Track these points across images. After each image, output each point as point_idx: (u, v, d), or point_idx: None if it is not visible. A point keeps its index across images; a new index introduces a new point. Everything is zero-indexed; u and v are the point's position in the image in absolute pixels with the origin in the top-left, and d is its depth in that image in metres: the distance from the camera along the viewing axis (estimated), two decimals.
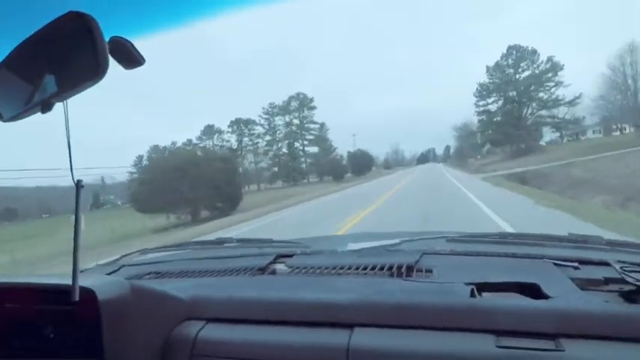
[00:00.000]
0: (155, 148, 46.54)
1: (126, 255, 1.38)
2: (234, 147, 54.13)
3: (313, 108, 55.53)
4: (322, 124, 55.72)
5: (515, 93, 42.18)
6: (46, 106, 0.55)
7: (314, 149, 55.29)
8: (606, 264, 0.82)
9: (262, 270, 1.03)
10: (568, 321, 0.64)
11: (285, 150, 54.76)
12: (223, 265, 1.11)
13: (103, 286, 0.67)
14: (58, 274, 0.73)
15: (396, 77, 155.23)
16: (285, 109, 55.10)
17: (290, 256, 1.12)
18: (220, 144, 53.82)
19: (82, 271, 0.95)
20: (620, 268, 0.75)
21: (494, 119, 44.18)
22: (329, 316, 0.74)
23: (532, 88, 40.77)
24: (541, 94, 41.36)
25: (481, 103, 45.02)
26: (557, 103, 40.98)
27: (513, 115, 42.24)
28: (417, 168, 68.53)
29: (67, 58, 0.53)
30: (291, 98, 55.01)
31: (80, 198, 0.57)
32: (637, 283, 0.70)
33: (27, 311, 0.71)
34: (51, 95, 0.55)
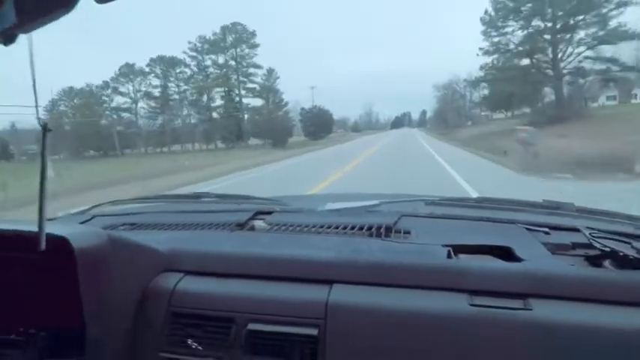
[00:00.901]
0: (69, 91, 40.84)
1: (97, 205, 1.36)
2: (158, 94, 44.98)
3: (255, 46, 44.55)
4: (270, 70, 46.25)
5: (548, 15, 24.63)
6: (8, 38, 0.52)
7: (257, 102, 46.59)
8: (576, 230, 0.92)
9: (241, 226, 1.10)
10: (537, 282, 0.73)
11: (218, 101, 45.27)
12: (201, 219, 1.17)
13: (79, 235, 0.71)
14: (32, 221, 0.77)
15: (374, 36, 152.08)
16: (216, 44, 43.92)
17: (269, 212, 1.19)
18: (145, 89, 45.00)
19: (51, 219, 0.96)
20: (589, 234, 0.85)
21: (506, 65, 27.78)
22: (308, 272, 0.82)
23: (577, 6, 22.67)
24: (592, 19, 22.96)
25: (493, 37, 27.30)
26: (618, 35, 21.93)
27: (539, 59, 26.46)
28: (391, 133, 69.09)
29: None
30: (225, 30, 43.78)
31: (47, 140, 0.60)
32: (603, 248, 0.78)
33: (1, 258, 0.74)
34: (14, 25, 0.50)
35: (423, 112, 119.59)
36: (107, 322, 0.74)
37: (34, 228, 0.62)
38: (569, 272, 0.76)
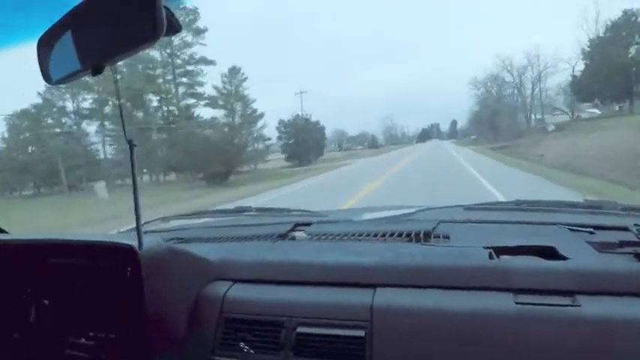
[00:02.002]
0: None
1: (147, 222, 1.43)
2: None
3: (201, 31, 30.09)
4: (234, 70, 32.71)
5: None
6: (96, 69, 0.58)
7: (211, 113, 32.39)
8: (623, 229, 0.90)
9: (282, 237, 1.14)
10: (584, 279, 0.72)
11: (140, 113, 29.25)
12: (244, 231, 1.22)
13: (143, 245, 0.76)
14: (98, 234, 0.87)
15: (396, 46, 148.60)
16: None
17: (308, 224, 1.22)
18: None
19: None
20: (637, 230, 0.83)
21: None
22: (352, 277, 0.84)
23: None
24: None
25: None
26: None
27: None
28: (416, 148, 54.43)
29: (121, 19, 0.55)
30: None
31: (134, 157, 0.66)
32: None
33: (72, 266, 0.83)
34: (103, 58, 0.58)
35: (453, 123, 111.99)
36: (165, 326, 0.79)
37: (103, 239, 0.76)
38: (618, 268, 0.74)
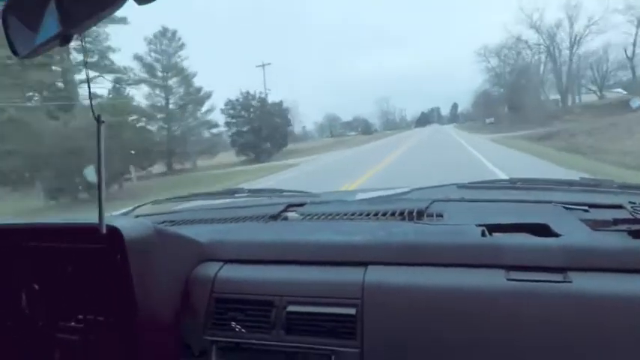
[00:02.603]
0: None
1: (139, 206, 1.45)
2: None
3: None
4: (166, 33, 24.52)
5: None
6: (64, 39, 0.55)
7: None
8: (618, 206, 0.89)
9: (275, 217, 1.13)
10: (576, 255, 0.72)
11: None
12: (236, 213, 1.22)
13: (129, 226, 0.76)
14: (82, 217, 0.84)
15: (392, 30, 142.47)
16: None
17: (301, 205, 1.21)
18: None
19: None
20: (632, 208, 0.83)
21: None
22: (343, 255, 0.84)
23: None
24: None
25: None
26: None
27: None
28: (414, 135, 45.61)
29: None
30: None
31: (102, 134, 0.63)
32: None
33: (58, 250, 0.82)
34: (68, 27, 0.53)
35: (454, 106, 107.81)
36: (155, 308, 0.79)
37: (89, 221, 0.70)
38: (611, 244, 0.74)
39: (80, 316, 0.80)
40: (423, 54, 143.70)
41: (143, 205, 1.46)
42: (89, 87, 0.63)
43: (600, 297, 0.64)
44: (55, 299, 0.84)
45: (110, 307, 0.79)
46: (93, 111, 0.60)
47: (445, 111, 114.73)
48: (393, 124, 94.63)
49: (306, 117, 76.82)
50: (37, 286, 0.84)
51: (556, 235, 0.79)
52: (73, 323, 0.81)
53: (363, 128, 76.32)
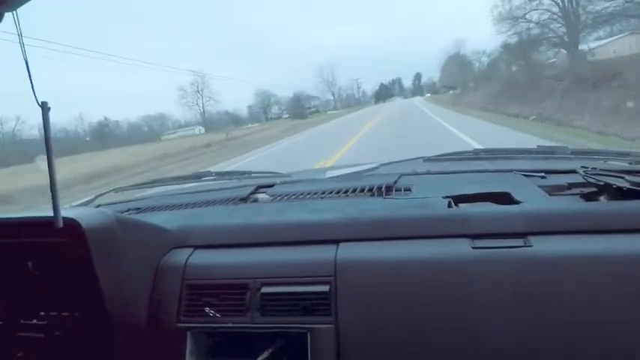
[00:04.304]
0: None
1: (100, 195, 1.39)
2: None
3: None
4: None
5: None
6: None
7: None
8: (572, 171, 0.95)
9: (244, 199, 1.13)
10: (535, 220, 0.76)
11: None
12: (204, 197, 1.20)
13: (87, 216, 0.73)
14: (39, 208, 0.81)
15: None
16: None
17: (270, 186, 1.22)
18: None
19: None
20: (584, 172, 0.86)
21: None
22: (314, 234, 0.85)
23: None
24: None
25: None
26: None
27: None
28: (372, 114, 32.18)
29: None
30: None
31: (48, 120, 0.59)
32: (598, 183, 0.80)
33: (15, 246, 0.78)
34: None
35: (417, 76, 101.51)
36: (125, 299, 0.78)
37: (46, 214, 0.66)
38: (566, 208, 0.78)
39: (43, 313, 0.78)
40: (377, 26, 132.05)
41: (104, 193, 1.41)
42: (28, 70, 0.52)
43: (557, 258, 0.69)
44: (15, 297, 0.81)
45: (75, 301, 0.77)
46: (36, 97, 0.55)
47: (407, 82, 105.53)
48: (352, 100, 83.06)
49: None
50: None
51: (517, 202, 0.83)
52: (35, 321, 0.78)
53: (293, 109, 57.66)
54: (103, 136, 51.04)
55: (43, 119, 0.57)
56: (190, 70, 56.82)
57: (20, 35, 0.50)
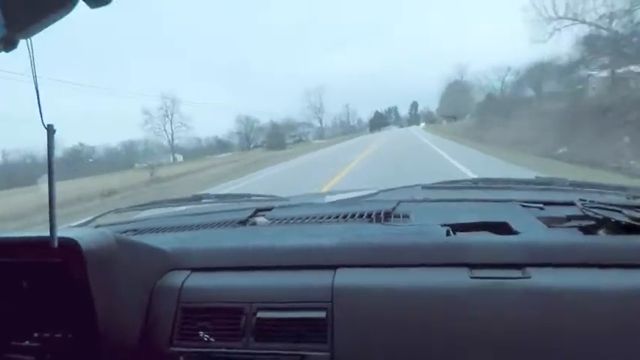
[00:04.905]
0: None
1: (99, 215, 1.38)
2: None
3: None
4: None
5: None
6: (9, 43, 0.52)
7: None
8: (570, 204, 0.94)
9: (243, 223, 1.12)
10: (534, 252, 0.75)
11: None
12: (202, 219, 1.20)
13: (87, 236, 0.73)
14: (37, 230, 0.80)
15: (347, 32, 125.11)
16: None
17: (269, 209, 1.21)
18: None
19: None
20: (582, 205, 0.87)
21: None
22: (311, 259, 0.84)
23: None
24: None
25: None
26: None
27: None
28: (364, 144, 26.21)
29: None
30: None
31: (52, 143, 0.60)
32: (596, 216, 0.81)
33: (10, 266, 0.77)
34: (13, 30, 0.51)
35: (414, 105, 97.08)
36: (119, 321, 0.76)
37: (43, 234, 0.66)
38: (565, 241, 0.78)
39: (36, 334, 0.76)
40: (374, 53, 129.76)
41: (104, 214, 1.40)
42: (38, 95, 0.54)
43: (556, 291, 0.68)
44: (6, 318, 0.79)
45: (69, 323, 0.75)
46: (42, 121, 0.56)
47: (403, 111, 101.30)
48: (347, 127, 78.07)
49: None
50: None
51: (515, 232, 0.82)
52: (27, 342, 0.76)
53: (270, 138, 48.30)
54: (76, 162, 47.08)
55: (47, 141, 0.58)
56: (159, 94, 50.22)
57: (32, 61, 0.52)
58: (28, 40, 0.51)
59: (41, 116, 0.56)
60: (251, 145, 54.06)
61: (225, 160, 34.09)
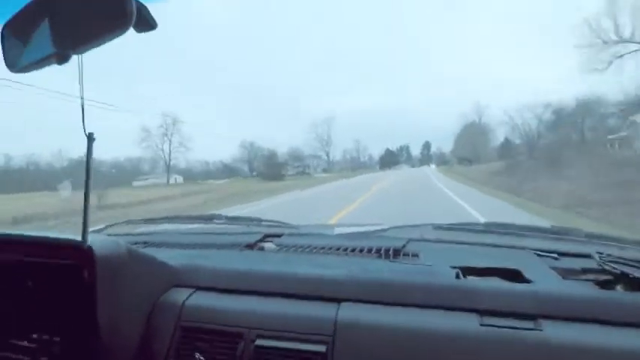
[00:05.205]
0: None
1: (111, 225, 1.39)
2: None
3: None
4: None
5: None
6: (62, 58, 0.56)
7: None
8: (586, 256, 0.91)
9: (250, 246, 1.12)
10: (547, 303, 0.73)
11: None
12: (211, 239, 1.21)
13: (100, 243, 0.74)
14: (55, 231, 0.81)
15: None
16: None
17: (278, 235, 1.21)
18: None
19: None
20: (599, 258, 0.85)
21: None
22: (316, 290, 0.83)
23: None
24: None
25: None
26: None
27: None
28: (366, 184, 21.45)
29: (89, 6, 0.54)
30: None
31: (92, 151, 0.63)
32: (614, 271, 0.78)
33: (18, 265, 0.77)
34: (69, 47, 0.55)
35: (426, 145, 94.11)
36: (118, 331, 0.76)
37: (55, 235, 0.69)
38: (580, 294, 0.76)
39: (35, 335, 0.76)
40: (387, 90, 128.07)
41: (116, 224, 1.41)
42: (82, 104, 0.58)
43: (569, 347, 0.66)
44: (8, 316, 0.78)
45: (69, 327, 0.75)
46: (84, 129, 0.60)
47: (415, 150, 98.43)
48: (357, 163, 75.15)
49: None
50: None
51: (528, 281, 0.80)
52: (26, 342, 0.76)
53: (265, 167, 43.53)
54: (81, 173, 44.94)
55: (87, 149, 0.61)
56: (161, 112, 48.00)
57: (81, 76, 0.55)
58: (80, 56, 0.54)
59: (84, 125, 0.59)
60: (253, 173, 51.08)
61: (210, 187, 31.41)
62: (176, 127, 46.76)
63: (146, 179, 48.94)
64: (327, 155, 65.25)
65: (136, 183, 45.84)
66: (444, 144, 78.41)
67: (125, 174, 48.75)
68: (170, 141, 47.60)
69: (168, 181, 46.82)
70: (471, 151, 45.41)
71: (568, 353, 0.65)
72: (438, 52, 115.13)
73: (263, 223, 1.38)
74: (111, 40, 0.51)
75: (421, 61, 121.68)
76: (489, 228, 1.25)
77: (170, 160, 48.72)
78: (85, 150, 0.63)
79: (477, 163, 43.92)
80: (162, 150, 48.21)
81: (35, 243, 0.77)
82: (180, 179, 51.08)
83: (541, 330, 0.68)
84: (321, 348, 0.72)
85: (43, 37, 0.55)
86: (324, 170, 59.28)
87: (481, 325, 0.70)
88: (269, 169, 43.69)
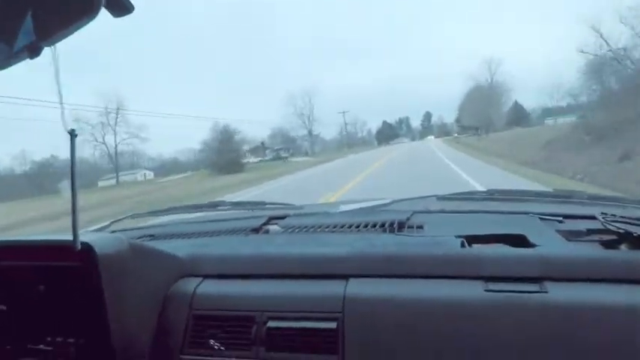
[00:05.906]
0: None
1: (116, 220, 1.38)
2: None
3: None
4: None
5: None
6: (33, 51, 0.53)
7: None
8: (590, 217, 0.92)
9: (256, 230, 1.13)
10: (552, 266, 0.74)
11: None
12: (217, 226, 1.21)
13: (101, 241, 0.74)
14: (54, 232, 0.83)
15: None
16: None
17: (283, 217, 1.21)
18: None
19: None
20: (603, 219, 0.84)
21: None
22: (324, 268, 0.84)
23: None
24: None
25: None
26: None
27: None
28: (352, 165, 19.41)
29: None
30: None
31: (74, 148, 0.61)
32: (618, 230, 0.78)
33: (28, 269, 0.78)
34: (39, 38, 0.52)
35: (427, 116, 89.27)
36: (130, 327, 0.77)
37: (58, 237, 0.69)
38: (585, 254, 0.76)
39: (49, 338, 0.77)
40: (385, 61, 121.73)
41: (120, 219, 1.40)
42: (61, 99, 0.55)
43: (574, 307, 0.66)
44: (24, 321, 0.80)
45: (81, 328, 0.76)
46: (64, 125, 0.58)
47: (415, 122, 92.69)
48: (354, 139, 69.44)
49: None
50: (5, 307, 0.79)
51: (532, 245, 0.81)
52: (41, 346, 0.77)
53: (216, 154, 31.24)
54: (45, 177, 40.00)
55: (70, 146, 0.59)
56: (101, 97, 41.34)
57: (57, 69, 0.52)
58: (53, 47, 0.52)
59: (63, 121, 0.57)
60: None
61: (158, 186, 26.40)
62: (121, 115, 40.14)
63: (112, 177, 43.31)
64: (310, 133, 55.75)
65: (101, 183, 41.54)
66: (446, 113, 73.01)
67: (96, 172, 43.81)
68: (115, 132, 41.13)
69: (118, 180, 41.37)
70: (479, 118, 39.88)
71: (575, 313, 0.65)
72: (436, 16, 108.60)
73: (267, 206, 1.38)
74: (83, 26, 0.47)
75: (420, 29, 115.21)
76: (493, 195, 1.24)
77: (117, 153, 41.91)
78: (68, 148, 0.59)
79: (484, 132, 38.42)
80: (104, 143, 41.81)
81: (28, 247, 0.78)
82: (150, 175, 45.90)
83: (547, 292, 0.68)
84: (332, 325, 0.73)
85: (7, 30, 0.49)
86: (307, 153, 50.81)
87: (486, 290, 0.70)
88: (222, 156, 31.36)
